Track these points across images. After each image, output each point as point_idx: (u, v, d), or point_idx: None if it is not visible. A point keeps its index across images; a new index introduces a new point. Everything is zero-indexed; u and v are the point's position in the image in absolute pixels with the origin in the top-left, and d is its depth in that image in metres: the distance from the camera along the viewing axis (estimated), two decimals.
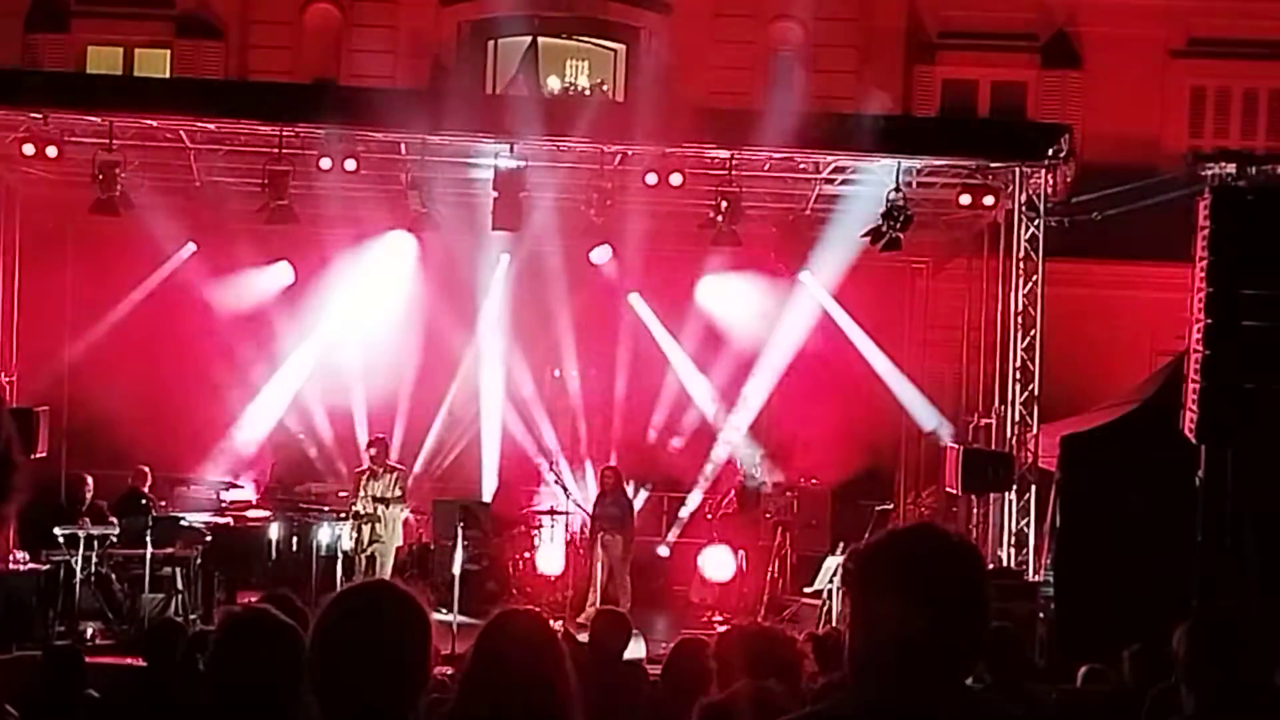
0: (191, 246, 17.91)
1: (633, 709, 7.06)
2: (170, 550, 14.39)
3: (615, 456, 18.21)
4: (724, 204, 15.80)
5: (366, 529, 15.41)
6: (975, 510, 16.64)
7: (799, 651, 4.97)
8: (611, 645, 7.83)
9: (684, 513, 18.45)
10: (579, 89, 20.69)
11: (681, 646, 7.10)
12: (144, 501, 15.54)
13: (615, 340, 18.72)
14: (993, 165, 15.59)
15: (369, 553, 15.37)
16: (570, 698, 3.78)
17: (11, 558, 14.70)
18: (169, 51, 20.75)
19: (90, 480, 15.53)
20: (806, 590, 15.46)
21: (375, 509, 15.45)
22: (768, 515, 17.20)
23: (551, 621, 4.74)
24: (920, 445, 18.79)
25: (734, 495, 17.35)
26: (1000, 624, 7.18)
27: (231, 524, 15.70)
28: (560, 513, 16.78)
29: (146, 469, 16.06)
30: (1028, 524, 15.29)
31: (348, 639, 2.93)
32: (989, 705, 3.10)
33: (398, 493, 15.69)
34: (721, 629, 9.36)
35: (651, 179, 15.41)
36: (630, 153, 15.53)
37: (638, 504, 17.35)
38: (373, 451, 16.00)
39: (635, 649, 12.14)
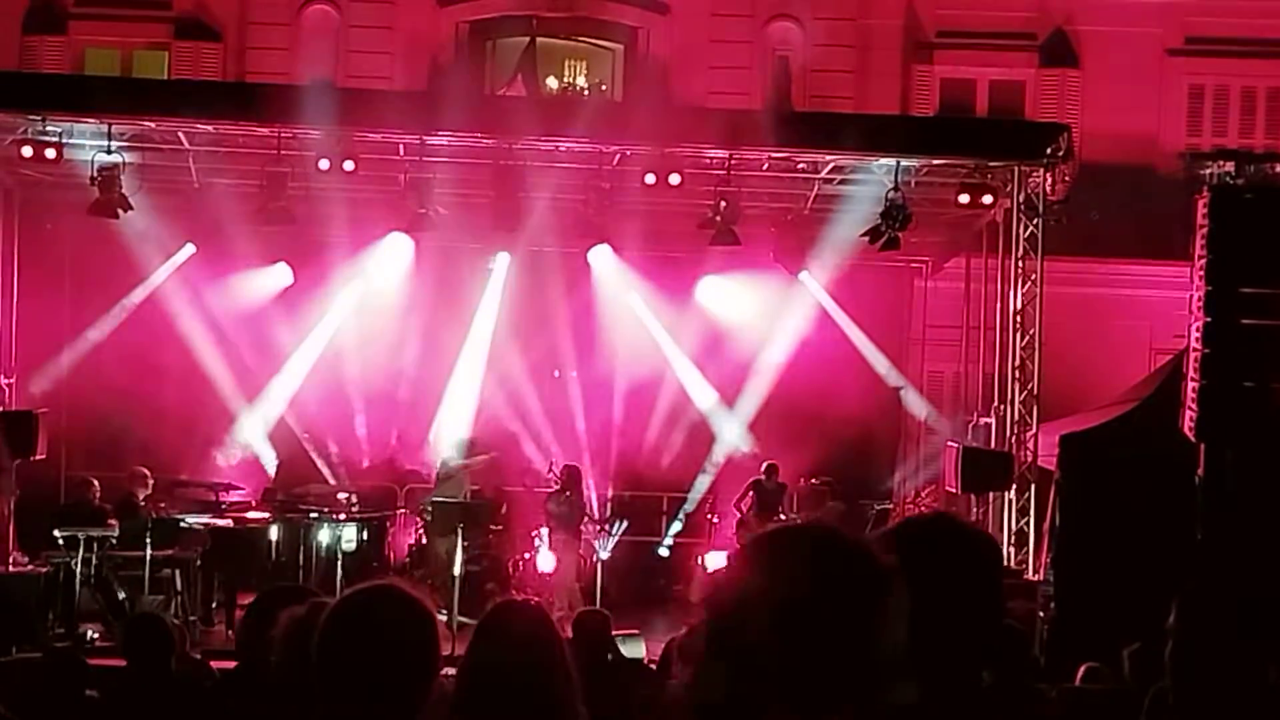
0: (190, 248, 17.90)
1: (627, 708, 7.07)
2: (170, 552, 14.36)
3: (613, 458, 18.19)
4: (722, 204, 15.81)
5: None
6: (975, 509, 16.62)
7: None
8: (595, 641, 7.85)
9: (684, 512, 18.41)
10: (577, 89, 20.70)
11: (673, 645, 7.13)
12: (137, 504, 15.46)
13: (614, 340, 18.69)
14: (991, 164, 15.60)
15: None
16: (571, 686, 3.77)
17: (11, 560, 14.69)
18: (167, 53, 20.70)
19: (96, 483, 15.47)
20: None
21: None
22: (785, 516, 16.90)
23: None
24: (919, 444, 18.79)
25: (750, 495, 17.12)
26: (1005, 622, 7.18)
27: (231, 525, 15.66)
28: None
29: (145, 471, 15.90)
30: (1027, 523, 15.29)
31: (353, 641, 2.92)
32: (992, 703, 3.09)
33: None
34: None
35: (650, 179, 15.41)
36: (629, 153, 15.53)
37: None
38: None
39: (636, 649, 12.16)
